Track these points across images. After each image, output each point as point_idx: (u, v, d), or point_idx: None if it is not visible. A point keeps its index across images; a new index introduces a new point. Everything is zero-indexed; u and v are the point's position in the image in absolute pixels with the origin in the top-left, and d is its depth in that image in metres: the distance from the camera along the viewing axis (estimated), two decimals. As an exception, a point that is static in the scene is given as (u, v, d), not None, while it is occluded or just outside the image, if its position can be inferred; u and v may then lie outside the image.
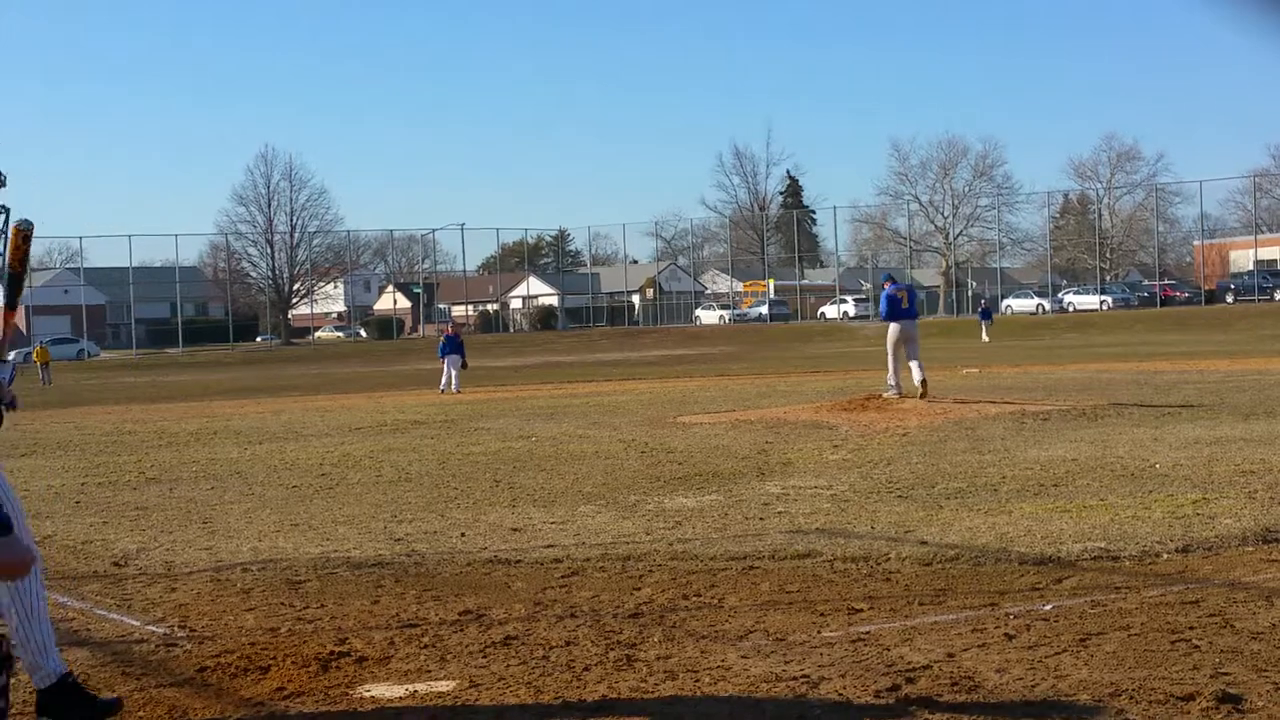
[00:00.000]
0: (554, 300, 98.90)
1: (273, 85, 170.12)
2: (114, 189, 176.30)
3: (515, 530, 9.35)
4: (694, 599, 6.94)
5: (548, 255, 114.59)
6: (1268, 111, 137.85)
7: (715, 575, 7.50)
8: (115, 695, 5.24)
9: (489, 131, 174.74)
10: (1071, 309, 74.70)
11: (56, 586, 7.42)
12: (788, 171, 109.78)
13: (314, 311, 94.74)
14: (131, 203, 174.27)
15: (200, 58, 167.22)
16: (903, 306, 19.44)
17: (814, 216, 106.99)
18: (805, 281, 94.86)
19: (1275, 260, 78.40)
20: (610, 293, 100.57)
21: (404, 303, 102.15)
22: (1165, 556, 7.56)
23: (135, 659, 6.08)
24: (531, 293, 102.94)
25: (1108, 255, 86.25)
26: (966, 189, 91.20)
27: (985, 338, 54.13)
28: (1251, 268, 74.92)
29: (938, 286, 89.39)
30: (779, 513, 9.66)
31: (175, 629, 6.64)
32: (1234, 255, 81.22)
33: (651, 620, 6.47)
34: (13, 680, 4.06)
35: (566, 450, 14.76)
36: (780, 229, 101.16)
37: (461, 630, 6.38)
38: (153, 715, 5.16)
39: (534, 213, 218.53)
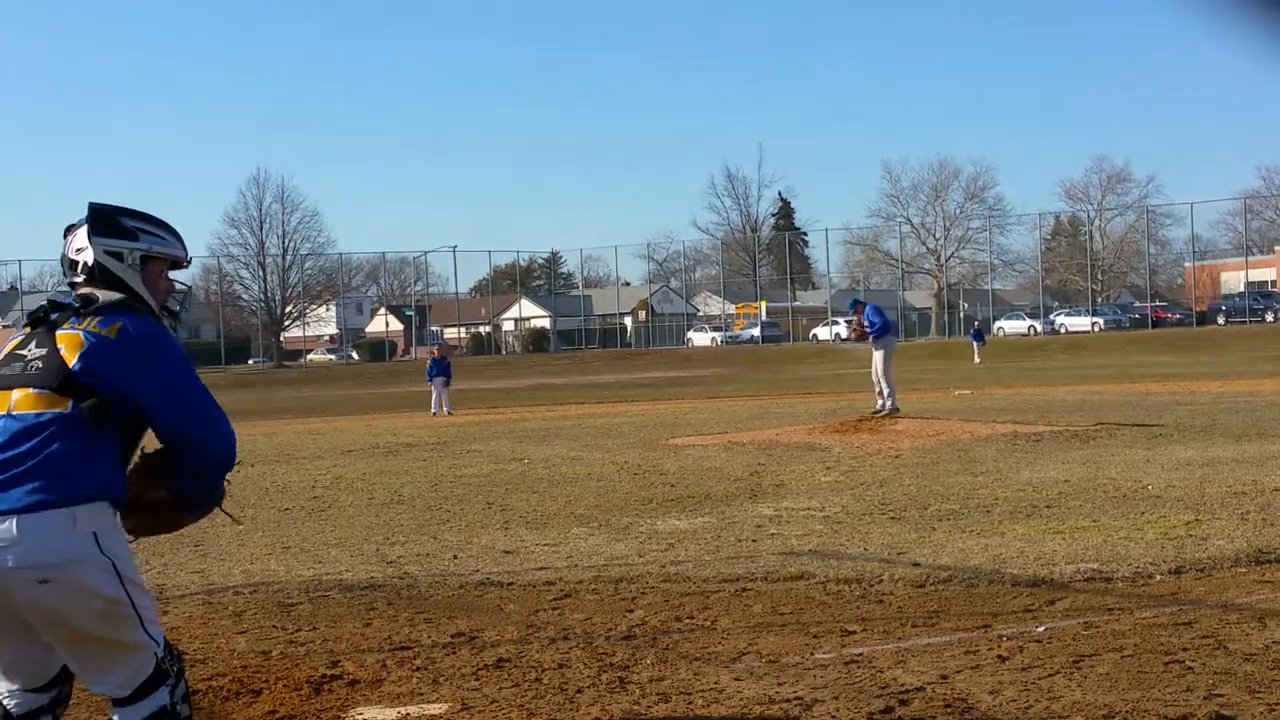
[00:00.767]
0: (546, 322, 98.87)
1: (265, 107, 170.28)
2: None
3: (508, 552, 9.33)
4: (687, 621, 6.93)
5: (540, 277, 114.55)
6: (1258, 133, 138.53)
7: (708, 597, 7.49)
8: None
9: (481, 154, 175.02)
10: (1063, 330, 74.74)
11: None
12: (779, 193, 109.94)
13: (306, 334, 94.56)
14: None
15: (192, 79, 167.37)
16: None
17: (806, 238, 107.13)
18: (797, 303, 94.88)
19: (1266, 282, 78.63)
20: (602, 315, 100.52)
21: (396, 325, 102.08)
22: (1158, 578, 7.56)
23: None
24: (524, 315, 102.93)
25: (1099, 277, 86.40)
26: (958, 211, 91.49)
27: (978, 359, 54.16)
28: (1243, 289, 75.07)
29: (929, 308, 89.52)
30: (772, 535, 9.66)
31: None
32: (1225, 277, 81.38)
33: (644, 642, 6.46)
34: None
35: (559, 472, 14.74)
36: (772, 251, 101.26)
37: (454, 653, 6.36)
38: (144, 739, 5.13)
39: (526, 235, 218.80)
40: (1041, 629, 6.38)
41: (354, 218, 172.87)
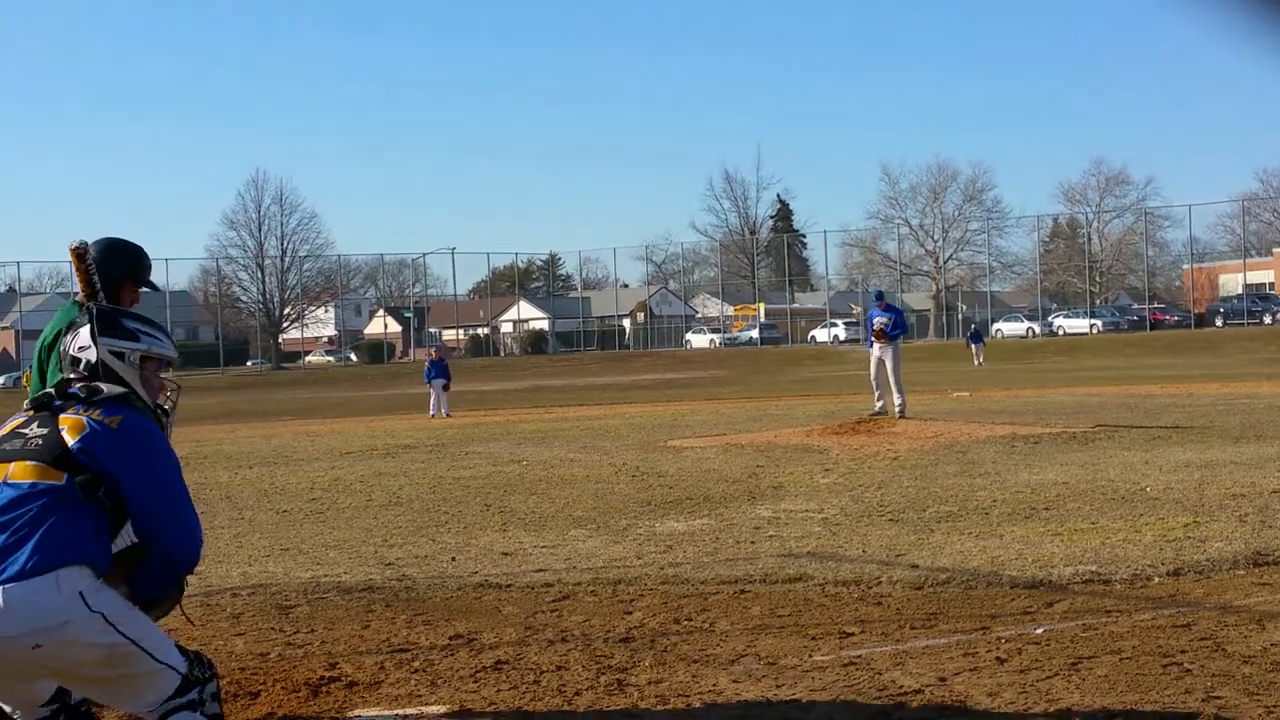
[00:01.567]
0: (545, 324, 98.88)
1: (264, 109, 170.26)
2: (104, 213, 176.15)
3: (506, 554, 9.33)
4: (685, 623, 6.93)
5: (538, 279, 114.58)
6: (1256, 136, 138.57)
7: (706, 599, 7.49)
8: None
9: (480, 156, 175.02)
10: (1061, 332, 74.74)
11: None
12: (778, 195, 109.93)
13: (305, 336, 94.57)
14: (122, 227, 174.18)
15: (191, 81, 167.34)
16: None
17: (804, 240, 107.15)
18: (796, 305, 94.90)
19: (1264, 284, 78.64)
20: (601, 317, 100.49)
21: (395, 327, 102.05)
22: (1156, 580, 7.56)
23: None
24: (522, 316, 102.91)
25: (1097, 279, 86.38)
26: (956, 213, 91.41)
27: (977, 362, 54.13)
28: (1240, 291, 75.10)
29: (928, 310, 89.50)
30: (770, 536, 9.66)
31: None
32: (1223, 279, 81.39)
33: (643, 644, 6.45)
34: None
35: (557, 474, 14.74)
36: (770, 253, 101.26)
37: (452, 655, 6.36)
38: (141, 741, 5.13)
39: (524, 237, 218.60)
40: (1040, 631, 6.38)
41: (352, 220, 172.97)
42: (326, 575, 8.70)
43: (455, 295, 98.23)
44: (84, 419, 4.07)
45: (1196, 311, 75.61)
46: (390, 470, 16.07)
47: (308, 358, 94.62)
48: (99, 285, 5.17)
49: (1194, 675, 5.48)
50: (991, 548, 8.72)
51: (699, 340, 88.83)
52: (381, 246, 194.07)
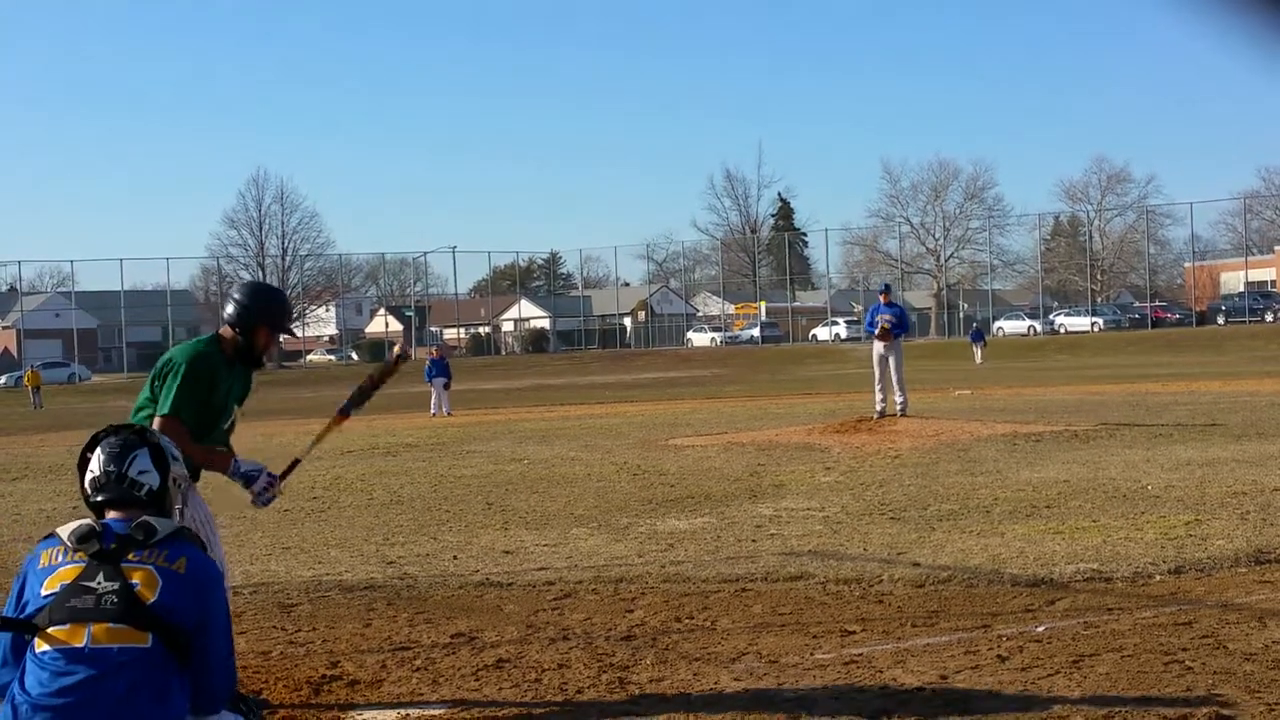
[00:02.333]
0: (546, 323, 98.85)
1: (265, 109, 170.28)
2: (105, 212, 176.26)
3: (507, 553, 9.33)
4: (686, 621, 6.93)
5: (539, 278, 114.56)
6: (1258, 134, 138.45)
7: (708, 598, 7.49)
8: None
9: (480, 155, 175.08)
10: (1063, 331, 74.71)
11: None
12: (779, 194, 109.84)
13: (305, 334, 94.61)
14: (123, 226, 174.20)
15: (192, 81, 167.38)
16: None
17: (805, 239, 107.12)
18: (797, 303, 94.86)
19: (1266, 282, 78.60)
20: (602, 315, 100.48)
21: (396, 325, 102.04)
22: (1158, 578, 7.56)
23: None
24: (523, 315, 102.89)
25: (1099, 277, 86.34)
26: (957, 211, 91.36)
27: (979, 360, 54.09)
28: (1242, 289, 75.07)
29: (929, 309, 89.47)
30: (771, 535, 9.66)
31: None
32: (1225, 277, 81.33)
33: (644, 643, 6.46)
34: None
35: (558, 473, 14.74)
36: (771, 251, 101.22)
37: (454, 653, 6.36)
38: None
39: (525, 236, 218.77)
40: (1041, 629, 6.38)
41: (353, 218, 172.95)
42: (328, 574, 8.71)
43: (456, 294, 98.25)
44: (152, 569, 3.88)
45: (1198, 309, 75.58)
46: (391, 469, 16.07)
47: (309, 356, 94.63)
48: (237, 321, 5.30)
49: (1195, 673, 5.48)
50: (993, 546, 8.72)
51: (700, 339, 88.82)
52: (382, 245, 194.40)
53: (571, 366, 71.38)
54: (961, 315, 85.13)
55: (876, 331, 19.08)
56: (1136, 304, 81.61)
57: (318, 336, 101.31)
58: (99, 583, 3.83)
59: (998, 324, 78.94)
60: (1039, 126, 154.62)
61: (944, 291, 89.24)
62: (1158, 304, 79.09)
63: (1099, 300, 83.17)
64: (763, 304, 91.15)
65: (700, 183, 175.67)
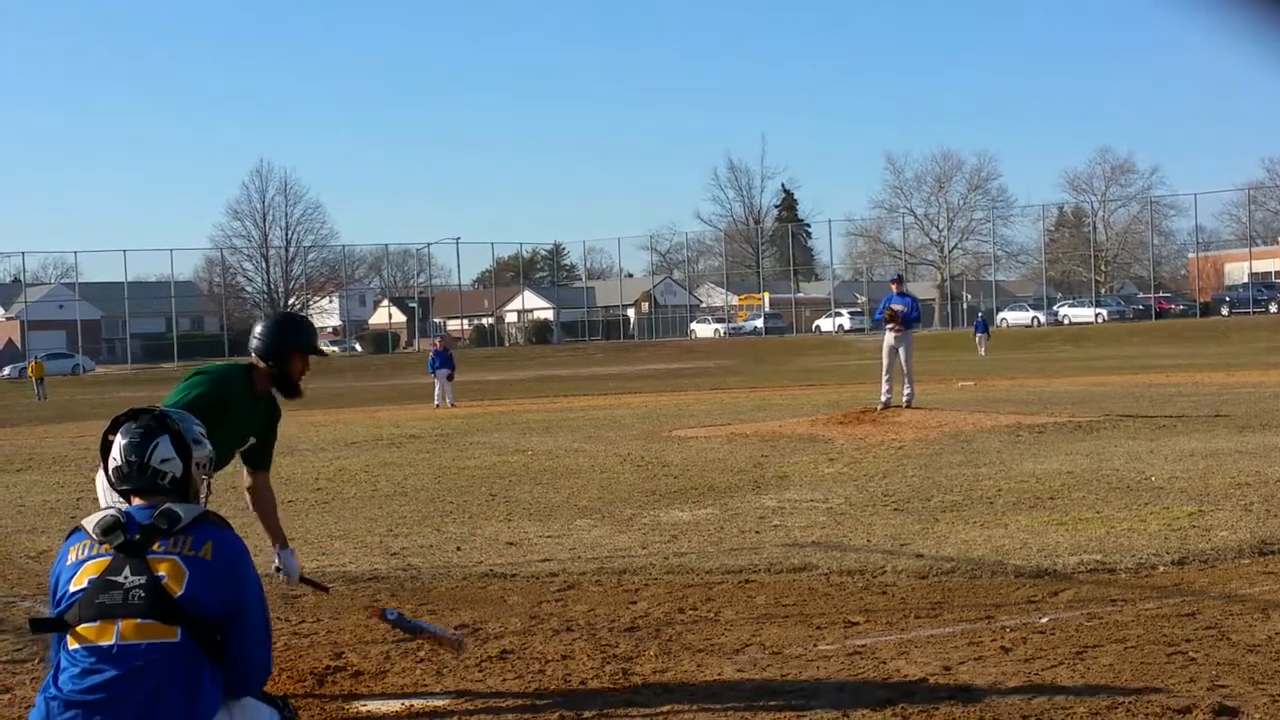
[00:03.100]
0: (549, 314, 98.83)
1: (268, 100, 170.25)
2: (109, 204, 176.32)
3: (511, 544, 9.34)
4: (690, 613, 6.94)
5: (543, 269, 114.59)
6: (1262, 125, 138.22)
7: (711, 589, 7.50)
8: None
9: (484, 146, 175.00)
10: (1067, 322, 74.62)
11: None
12: (782, 185, 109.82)
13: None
14: (126, 217, 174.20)
15: (195, 72, 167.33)
16: None
17: (809, 230, 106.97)
18: (800, 295, 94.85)
19: (1270, 273, 78.44)
20: (605, 306, 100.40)
21: (399, 317, 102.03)
22: (1161, 569, 7.56)
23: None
24: (526, 306, 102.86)
25: (1103, 268, 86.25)
26: (961, 202, 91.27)
27: (982, 351, 54.02)
28: (1246, 280, 74.96)
29: (933, 300, 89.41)
30: (775, 526, 9.66)
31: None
32: (1229, 268, 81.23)
33: (648, 634, 6.46)
34: None
35: (562, 464, 14.75)
36: (775, 242, 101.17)
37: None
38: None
39: (529, 227, 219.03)
40: (1045, 620, 6.38)
41: (357, 210, 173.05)
42: (332, 565, 8.71)
43: (460, 285, 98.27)
44: (178, 560, 3.84)
45: (1202, 300, 75.47)
46: (395, 460, 16.08)
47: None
48: (267, 354, 5.48)
49: (1199, 664, 5.48)
50: (996, 537, 8.72)
51: (703, 330, 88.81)
52: (386, 236, 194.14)
53: (575, 358, 71.40)
54: (965, 306, 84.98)
55: (883, 316, 18.97)
56: (1140, 295, 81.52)
57: (321, 328, 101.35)
58: (126, 577, 3.82)
59: (1001, 315, 78.88)
60: (1043, 117, 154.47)
61: (948, 283, 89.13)
62: (1162, 295, 79.00)
63: (1103, 291, 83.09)
64: (766, 295, 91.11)
65: (704, 174, 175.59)
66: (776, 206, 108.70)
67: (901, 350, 18.63)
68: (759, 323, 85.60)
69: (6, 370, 73.58)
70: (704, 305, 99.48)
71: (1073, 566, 7.65)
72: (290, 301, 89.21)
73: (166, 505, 3.97)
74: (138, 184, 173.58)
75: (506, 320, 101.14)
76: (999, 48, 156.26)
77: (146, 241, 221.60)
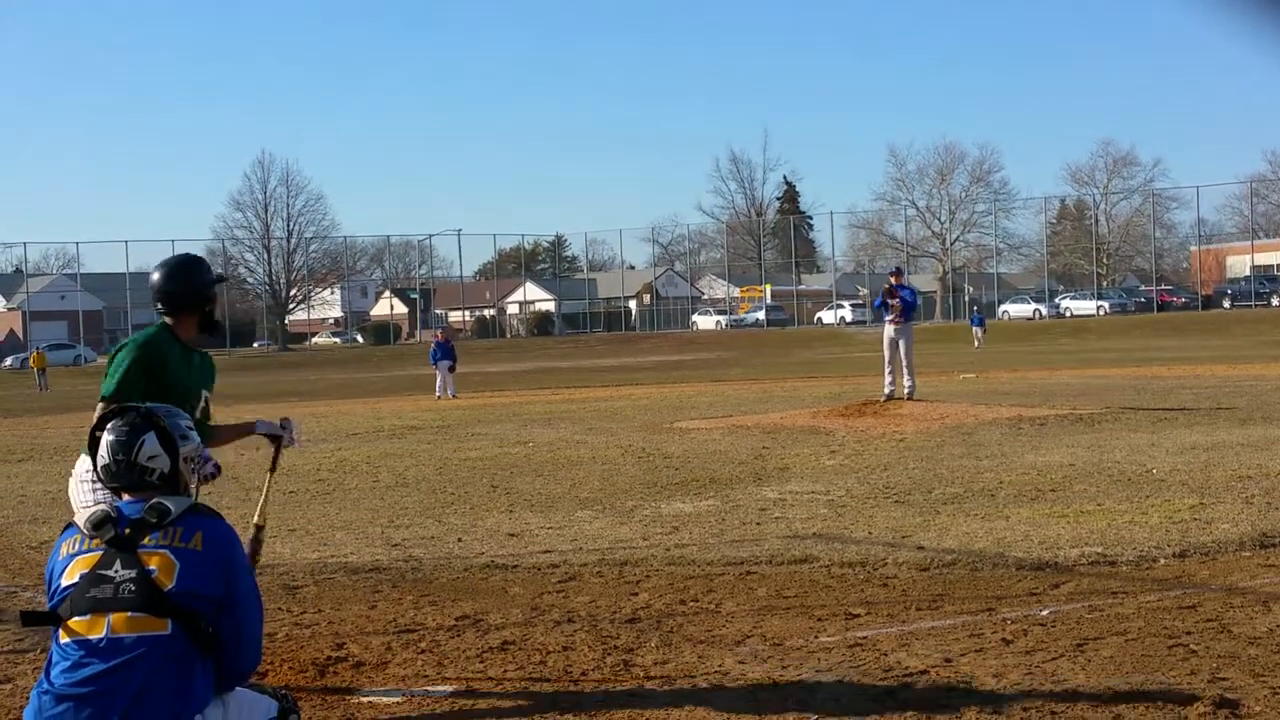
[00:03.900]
0: (551, 306, 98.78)
1: (270, 91, 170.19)
2: (111, 195, 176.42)
3: (512, 535, 9.34)
4: (691, 604, 6.94)
5: (544, 261, 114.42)
6: (1265, 118, 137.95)
7: (712, 580, 7.50)
8: None
9: (486, 137, 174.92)
10: (1068, 314, 74.61)
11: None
12: (784, 177, 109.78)
13: (311, 317, 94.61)
14: (128, 208, 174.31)
15: (197, 63, 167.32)
16: None
17: (811, 222, 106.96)
18: (802, 287, 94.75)
19: (1272, 266, 78.40)
20: (607, 298, 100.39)
21: (401, 308, 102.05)
22: (1162, 561, 7.56)
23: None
24: (528, 298, 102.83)
25: (1105, 261, 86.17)
26: (963, 195, 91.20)
27: (979, 344, 53.98)
28: (1248, 273, 74.92)
29: (934, 292, 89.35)
30: (776, 518, 9.66)
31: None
32: (1231, 261, 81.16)
33: (649, 625, 6.47)
34: None
35: (563, 456, 14.75)
36: (777, 234, 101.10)
37: (459, 635, 6.38)
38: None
39: (531, 218, 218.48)
40: (1046, 612, 6.38)
41: (358, 201, 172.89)
42: (333, 556, 8.72)
43: (461, 277, 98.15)
44: (168, 553, 3.86)
45: (1204, 293, 75.45)
46: (396, 451, 16.09)
47: (314, 339, 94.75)
48: (183, 307, 5.43)
49: (1200, 656, 5.48)
50: (997, 529, 8.72)
51: (705, 322, 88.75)
52: (387, 228, 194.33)
53: (576, 349, 71.37)
54: (967, 299, 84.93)
55: (882, 302, 19.04)
56: (1142, 288, 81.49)
57: (323, 319, 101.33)
58: (116, 570, 3.84)
59: (1003, 307, 78.84)
60: (1045, 110, 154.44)
61: (949, 275, 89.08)
62: (1163, 288, 78.95)
63: (1104, 284, 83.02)
64: (768, 287, 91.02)
65: (706, 166, 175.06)
66: (778, 198, 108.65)
67: (901, 343, 18.72)
68: (761, 315, 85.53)
69: (8, 361, 73.60)
70: (706, 297, 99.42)
71: (1074, 559, 7.65)
72: (292, 292, 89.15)
73: (156, 499, 4.00)
74: (140, 175, 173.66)
75: (508, 312, 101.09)
76: (1002, 40, 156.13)
77: (148, 232, 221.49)
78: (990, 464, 12.27)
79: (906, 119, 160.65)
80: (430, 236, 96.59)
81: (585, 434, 17.59)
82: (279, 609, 7.14)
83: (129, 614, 3.77)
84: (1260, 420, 15.68)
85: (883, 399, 18.56)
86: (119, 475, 4.10)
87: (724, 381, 33.37)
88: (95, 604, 3.79)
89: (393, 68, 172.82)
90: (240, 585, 4.00)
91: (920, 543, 8.36)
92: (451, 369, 30.32)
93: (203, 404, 5.64)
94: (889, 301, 18.91)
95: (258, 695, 4.18)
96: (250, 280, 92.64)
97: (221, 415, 5.96)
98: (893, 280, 19.48)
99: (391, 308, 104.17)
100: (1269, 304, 68.28)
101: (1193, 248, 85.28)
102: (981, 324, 57.57)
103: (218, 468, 5.57)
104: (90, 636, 3.76)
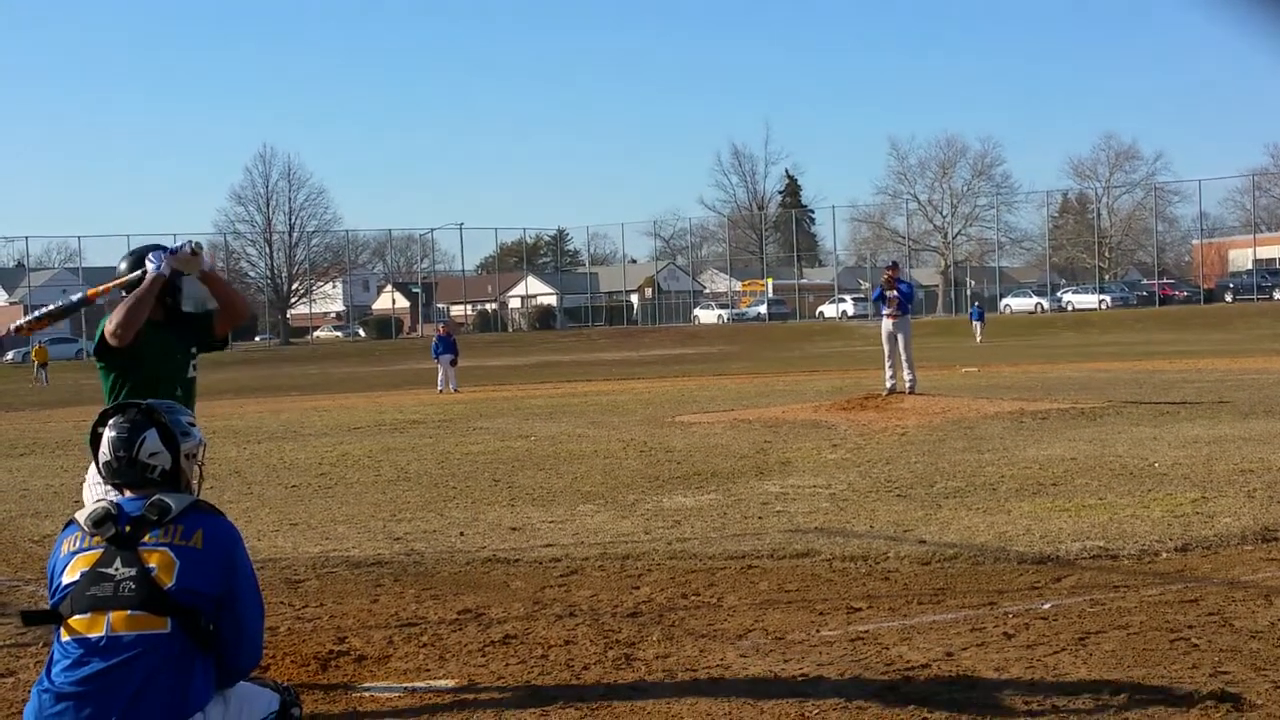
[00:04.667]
0: (552, 300, 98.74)
1: (271, 85, 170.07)
2: (112, 188, 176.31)
3: (514, 529, 9.35)
4: (693, 598, 6.94)
5: (546, 255, 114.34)
6: (1267, 111, 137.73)
7: (714, 574, 7.50)
8: None
9: (487, 131, 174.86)
10: (1070, 308, 74.55)
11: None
12: (786, 171, 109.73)
13: (312, 311, 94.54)
14: (129, 202, 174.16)
15: (198, 57, 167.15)
16: None
17: (812, 216, 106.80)
18: (804, 281, 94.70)
19: (1274, 259, 78.27)
20: (609, 292, 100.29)
21: (403, 302, 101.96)
22: (1164, 555, 7.56)
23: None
24: (530, 292, 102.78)
25: (1106, 254, 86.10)
26: (965, 188, 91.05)
27: (979, 339, 53.91)
28: (1250, 267, 74.83)
29: (936, 286, 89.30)
30: (778, 512, 9.66)
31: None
32: (1233, 254, 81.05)
33: (650, 619, 6.47)
34: None
35: (565, 449, 14.75)
36: (779, 228, 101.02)
37: (460, 629, 6.38)
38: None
39: (532, 212, 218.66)
40: (1047, 606, 6.38)
41: (360, 195, 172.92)
42: (335, 550, 8.73)
43: (463, 271, 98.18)
44: (168, 551, 3.87)
45: (1206, 287, 75.41)
46: (398, 445, 16.09)
47: (316, 333, 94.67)
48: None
49: (1201, 650, 5.48)
50: (999, 523, 8.72)
51: (707, 316, 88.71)
52: (389, 222, 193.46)
53: (578, 343, 71.36)
54: (969, 293, 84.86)
55: (879, 296, 19.14)
56: (1144, 281, 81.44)
57: (325, 313, 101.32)
58: (117, 569, 3.84)
59: (1005, 301, 78.80)
60: (1047, 103, 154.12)
61: (951, 269, 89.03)
62: (1165, 281, 78.91)
63: (1107, 278, 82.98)
64: (770, 281, 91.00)
65: (708, 159, 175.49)
66: (780, 192, 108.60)
67: (900, 337, 18.78)
68: (762, 309, 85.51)
69: (10, 355, 73.56)
70: (707, 291, 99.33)
71: (1075, 553, 7.65)
72: (294, 286, 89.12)
73: (157, 496, 4.00)
74: (141, 169, 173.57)
75: (510, 306, 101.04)
76: (1003, 33, 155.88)
77: (150, 226, 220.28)
78: (992, 458, 12.27)
79: (908, 112, 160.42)
80: (432, 230, 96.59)
81: (587, 428, 17.59)
82: (281, 603, 7.14)
83: (129, 612, 3.78)
84: (1262, 414, 15.67)
85: (884, 393, 18.58)
86: (120, 471, 4.10)
87: (726, 375, 33.37)
88: (95, 602, 3.80)
89: (395, 61, 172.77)
90: (241, 583, 4.00)
91: (922, 537, 8.36)
92: (453, 363, 30.33)
93: (207, 334, 5.78)
94: (887, 294, 18.97)
95: (260, 689, 4.19)
96: (252, 274, 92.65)
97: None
98: (890, 273, 19.56)
99: (393, 302, 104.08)
100: (1271, 298, 68.17)
101: (1195, 241, 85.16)
102: (981, 318, 57.51)
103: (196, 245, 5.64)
104: (90, 635, 3.77)
